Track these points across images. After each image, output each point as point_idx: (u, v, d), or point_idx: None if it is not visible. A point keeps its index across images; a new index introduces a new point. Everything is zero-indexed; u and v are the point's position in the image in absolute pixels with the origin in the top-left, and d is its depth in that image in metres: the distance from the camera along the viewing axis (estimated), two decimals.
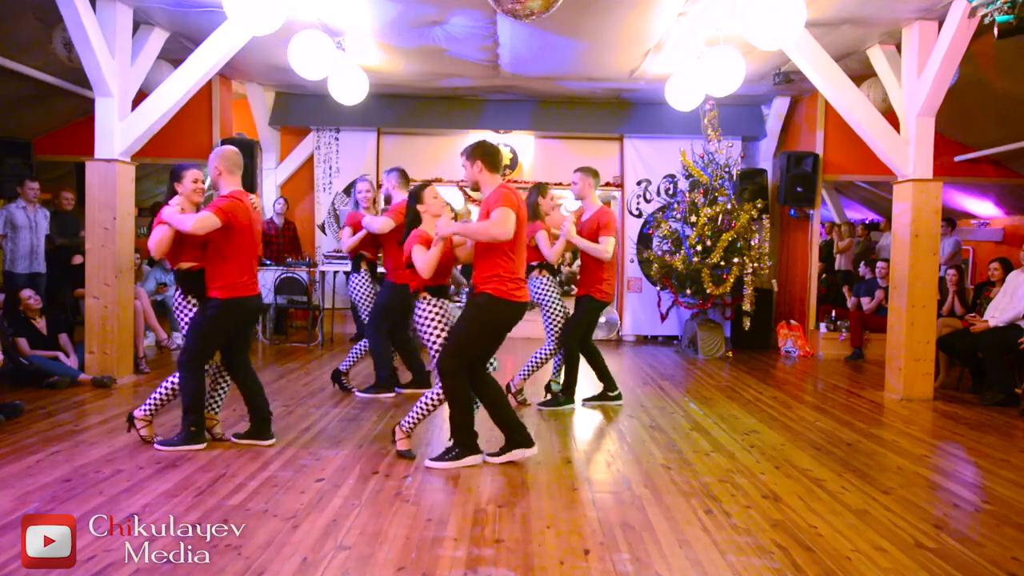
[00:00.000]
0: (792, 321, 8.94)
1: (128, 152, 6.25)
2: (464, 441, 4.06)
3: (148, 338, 7.38)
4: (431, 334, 4.08)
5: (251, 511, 3.31)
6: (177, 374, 4.26)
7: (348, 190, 9.74)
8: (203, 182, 4.36)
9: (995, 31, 4.68)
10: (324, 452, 4.25)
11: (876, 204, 11.45)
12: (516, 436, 4.15)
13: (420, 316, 4.11)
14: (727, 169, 8.58)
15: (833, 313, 8.81)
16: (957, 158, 8.60)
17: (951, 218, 9.42)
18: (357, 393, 5.84)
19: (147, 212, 9.42)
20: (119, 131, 6.13)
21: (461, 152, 4.15)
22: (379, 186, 6.95)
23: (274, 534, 3.06)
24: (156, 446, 4.24)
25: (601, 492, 3.69)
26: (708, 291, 8.19)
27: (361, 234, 5.67)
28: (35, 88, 7.24)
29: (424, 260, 3.95)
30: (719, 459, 4.29)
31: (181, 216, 4.06)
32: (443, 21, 6.48)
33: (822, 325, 8.77)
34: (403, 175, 5.87)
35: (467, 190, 10.05)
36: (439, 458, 4.06)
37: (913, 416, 5.60)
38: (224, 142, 8.50)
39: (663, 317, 9.34)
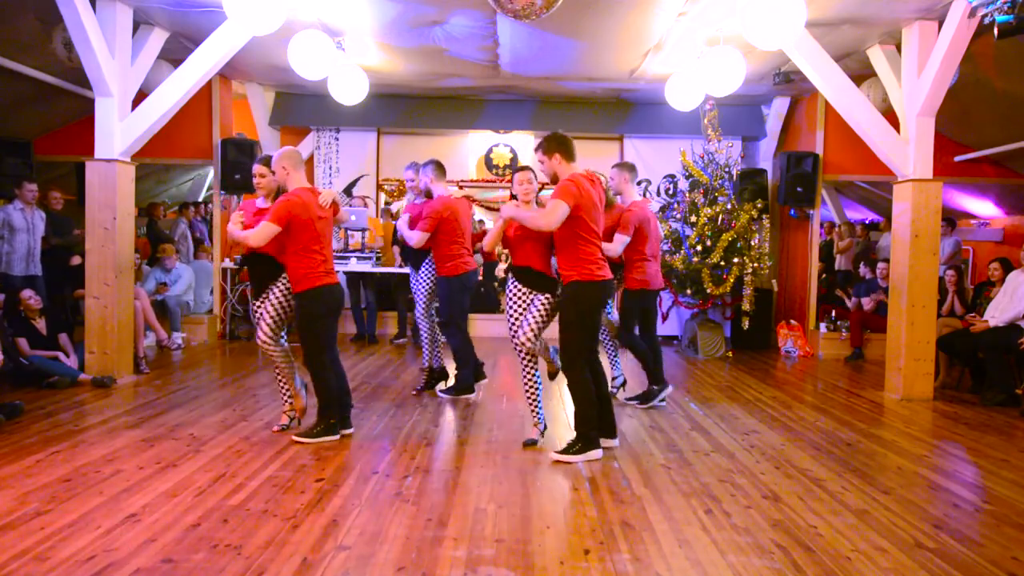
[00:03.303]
0: (792, 321, 8.94)
1: (128, 152, 6.25)
2: (586, 435, 4.19)
3: (148, 338, 7.39)
4: (511, 311, 4.42)
5: (251, 511, 3.31)
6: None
7: (348, 190, 9.75)
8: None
9: (995, 31, 4.69)
10: (324, 452, 4.24)
11: (876, 204, 11.45)
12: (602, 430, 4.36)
13: (507, 292, 4.50)
14: (727, 169, 8.58)
15: (833, 313, 8.81)
16: (957, 158, 8.60)
17: (951, 218, 9.42)
18: (439, 392, 5.83)
19: (145, 212, 9.43)
20: (119, 131, 6.13)
21: (535, 148, 4.32)
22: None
23: (274, 534, 3.06)
24: (293, 438, 4.44)
25: (601, 492, 3.69)
26: (708, 291, 8.19)
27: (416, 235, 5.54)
28: (35, 88, 7.24)
29: (486, 240, 4.52)
30: (719, 459, 4.29)
31: (244, 232, 4.30)
32: (443, 21, 6.48)
33: (822, 325, 8.77)
34: (439, 167, 5.67)
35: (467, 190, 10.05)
36: (564, 451, 4.17)
37: (913, 416, 5.60)
38: (224, 142, 8.52)
39: (664, 317, 9.34)
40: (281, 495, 3.53)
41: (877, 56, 6.69)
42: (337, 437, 4.46)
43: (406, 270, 7.68)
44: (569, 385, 4.21)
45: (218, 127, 8.63)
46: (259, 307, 4.58)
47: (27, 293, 6.17)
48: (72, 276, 7.25)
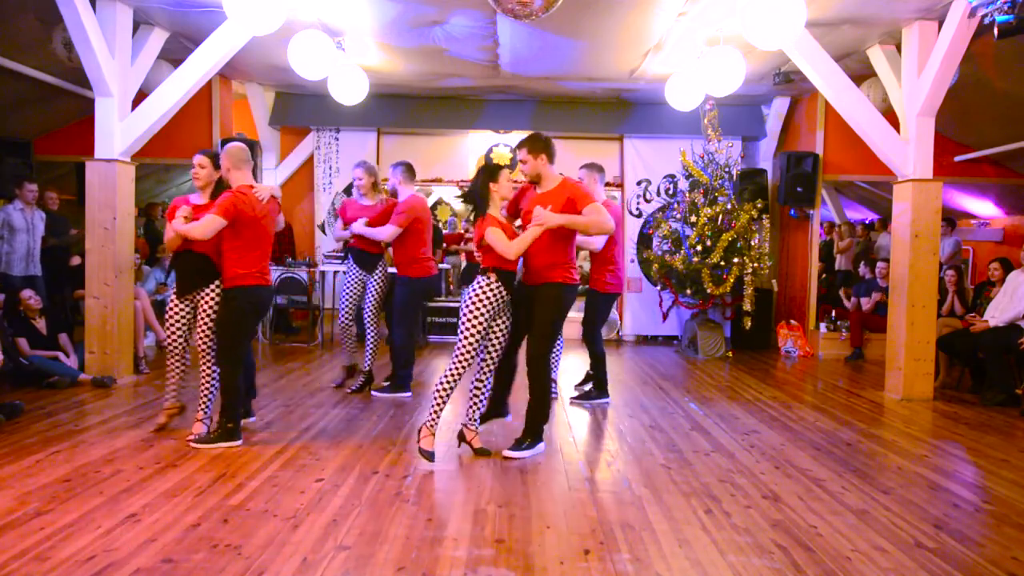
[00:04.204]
0: (792, 321, 8.94)
1: (128, 152, 6.25)
2: (536, 431, 4.27)
3: (148, 338, 7.38)
4: (472, 315, 4.00)
5: (251, 511, 3.31)
6: (206, 365, 4.42)
7: (348, 190, 9.74)
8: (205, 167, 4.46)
9: (995, 31, 4.69)
10: (324, 452, 4.24)
11: (876, 204, 11.45)
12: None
13: (473, 293, 4.03)
14: (727, 169, 8.58)
15: (833, 313, 8.81)
16: (957, 158, 8.60)
17: (951, 218, 9.42)
18: (374, 393, 5.82)
19: (143, 212, 9.42)
20: (119, 131, 6.13)
21: (517, 147, 4.29)
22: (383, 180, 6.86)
23: (274, 534, 3.06)
24: (191, 443, 4.30)
25: (601, 492, 3.69)
26: (708, 291, 8.19)
27: (370, 230, 5.60)
28: (35, 88, 7.24)
29: (513, 246, 3.97)
30: (719, 459, 4.29)
31: (188, 225, 4.22)
32: (443, 21, 6.48)
33: (822, 325, 8.77)
34: (409, 169, 5.76)
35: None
36: (514, 448, 4.21)
37: (913, 416, 5.60)
38: (224, 142, 8.51)
39: (664, 317, 9.34)
40: (281, 495, 3.53)
41: (877, 56, 6.69)
42: (240, 442, 4.30)
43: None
44: (534, 383, 4.21)
45: (218, 127, 8.62)
46: (176, 305, 4.43)
47: (27, 293, 6.17)
48: (72, 276, 7.25)
